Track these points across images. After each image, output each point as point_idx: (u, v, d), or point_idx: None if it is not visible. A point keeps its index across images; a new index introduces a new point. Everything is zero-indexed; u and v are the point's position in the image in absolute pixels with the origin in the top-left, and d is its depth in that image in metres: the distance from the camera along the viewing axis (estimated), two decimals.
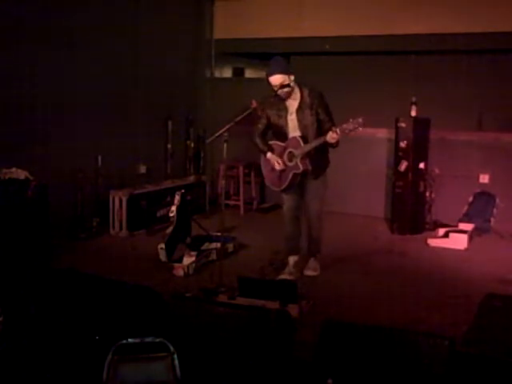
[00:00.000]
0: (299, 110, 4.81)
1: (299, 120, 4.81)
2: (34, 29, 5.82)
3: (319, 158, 4.91)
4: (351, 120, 4.50)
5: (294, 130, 4.85)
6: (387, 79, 7.28)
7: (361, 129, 4.52)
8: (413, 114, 6.74)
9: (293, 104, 4.84)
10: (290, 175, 4.89)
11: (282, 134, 4.91)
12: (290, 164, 4.87)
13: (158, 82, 7.39)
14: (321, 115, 4.79)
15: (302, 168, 4.82)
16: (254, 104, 4.75)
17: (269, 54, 8.57)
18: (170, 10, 7.61)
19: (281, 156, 4.90)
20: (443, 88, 7.02)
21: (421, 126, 6.79)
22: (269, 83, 4.75)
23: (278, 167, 4.90)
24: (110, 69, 6.72)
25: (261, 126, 4.98)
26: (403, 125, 6.73)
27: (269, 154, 4.95)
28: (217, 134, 4.62)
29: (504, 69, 6.82)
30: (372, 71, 7.42)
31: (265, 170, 5.11)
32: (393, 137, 6.89)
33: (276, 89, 4.72)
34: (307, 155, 4.81)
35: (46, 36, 5.96)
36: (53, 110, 6.08)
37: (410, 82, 7.13)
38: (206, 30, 8.33)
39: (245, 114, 4.67)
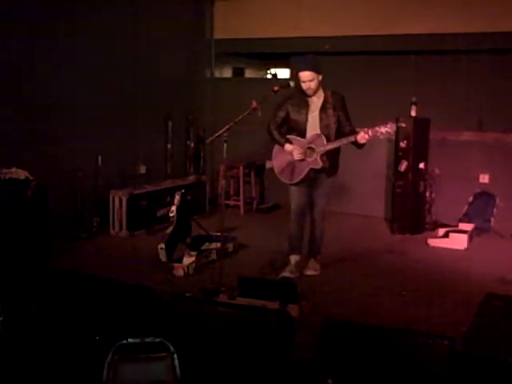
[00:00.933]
0: (323, 108, 4.87)
1: (321, 119, 4.87)
2: (33, 29, 5.81)
3: (335, 158, 5.01)
4: (383, 124, 4.60)
5: (313, 128, 4.89)
6: (387, 79, 7.28)
7: (392, 133, 4.72)
8: (413, 114, 6.74)
9: (316, 102, 4.90)
10: (306, 170, 4.92)
11: (299, 130, 4.94)
12: (308, 159, 4.90)
13: (158, 82, 7.39)
14: (341, 118, 4.88)
15: (321, 164, 4.87)
16: (254, 104, 4.72)
17: (269, 54, 8.63)
18: (170, 10, 7.61)
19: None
20: (443, 88, 7.02)
21: (421, 125, 6.79)
22: (297, 76, 4.85)
23: (298, 156, 4.89)
24: (110, 69, 6.72)
25: (279, 120, 5.01)
26: (403, 125, 6.71)
27: (288, 145, 4.94)
28: (217, 134, 4.61)
29: (504, 69, 6.82)
30: (372, 71, 7.43)
31: (277, 162, 5.10)
32: (393, 137, 6.89)
33: (303, 84, 4.79)
34: (326, 153, 4.87)
35: (45, 36, 5.96)
36: (53, 109, 6.07)
37: (410, 81, 7.13)
38: (206, 30, 8.33)
39: (245, 113, 4.66)
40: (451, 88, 7.01)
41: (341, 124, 4.88)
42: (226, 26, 8.20)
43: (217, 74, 8.67)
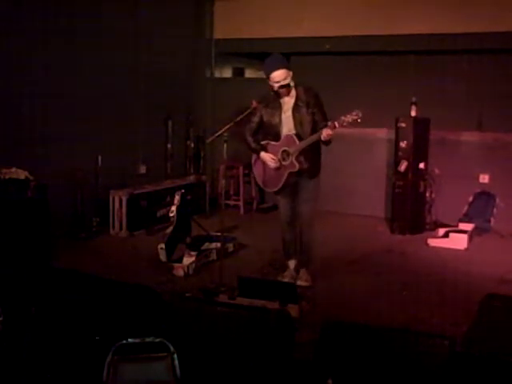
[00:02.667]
0: (296, 107, 4.67)
1: (295, 118, 4.67)
2: (33, 29, 5.82)
3: (315, 158, 4.77)
4: (349, 112, 4.42)
5: (288, 129, 4.69)
6: (387, 79, 7.28)
7: (359, 120, 4.42)
8: (413, 114, 6.75)
9: (288, 101, 4.69)
10: (286, 174, 4.73)
11: (274, 134, 4.74)
12: (284, 163, 4.70)
13: (158, 82, 7.39)
14: (316, 115, 4.67)
15: (298, 166, 4.65)
16: (254, 104, 4.71)
17: (269, 54, 8.62)
18: (170, 10, 7.60)
19: (274, 155, 4.73)
20: (443, 88, 7.02)
21: (421, 125, 6.79)
22: (268, 79, 4.63)
23: (272, 164, 4.72)
24: (110, 69, 6.71)
25: (253, 125, 4.80)
26: (403, 125, 6.73)
27: (262, 153, 4.77)
28: (217, 134, 4.60)
29: (504, 69, 6.82)
30: (372, 71, 7.43)
31: (257, 171, 4.93)
32: (393, 137, 6.90)
33: (277, 85, 4.59)
34: (302, 153, 4.64)
35: (45, 36, 5.96)
36: (53, 110, 6.08)
37: (409, 81, 7.13)
38: (206, 30, 8.33)
39: (245, 113, 4.65)
40: (451, 88, 7.01)
41: (316, 122, 4.64)
42: (226, 25, 8.19)
43: (217, 74, 8.67)
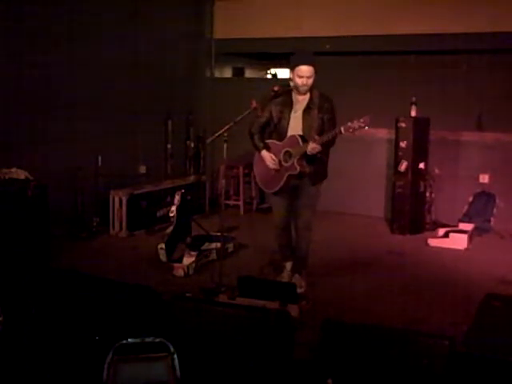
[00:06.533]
0: (307, 108, 4.55)
1: (305, 119, 4.55)
2: (33, 29, 5.82)
3: (320, 164, 4.59)
4: (357, 119, 4.26)
5: (295, 129, 4.57)
6: (387, 79, 7.28)
7: (367, 127, 4.28)
8: (413, 114, 6.75)
9: (301, 102, 4.59)
10: (285, 176, 4.59)
11: (280, 133, 4.64)
12: (285, 164, 4.57)
13: (157, 82, 7.39)
14: (326, 123, 4.53)
15: (298, 169, 4.50)
16: (254, 104, 4.68)
17: (269, 54, 8.63)
18: (170, 9, 7.60)
19: (276, 155, 4.62)
20: (443, 88, 7.01)
21: (421, 126, 6.79)
22: (293, 70, 4.52)
23: (272, 165, 4.62)
24: (110, 69, 6.71)
25: (262, 120, 4.69)
26: (403, 125, 6.73)
27: (264, 152, 4.68)
28: (217, 134, 4.58)
29: (504, 69, 6.82)
30: (372, 71, 7.42)
31: (257, 170, 4.84)
32: (393, 137, 6.90)
33: (299, 80, 4.48)
34: (305, 156, 4.48)
35: (45, 36, 5.96)
36: (53, 109, 6.08)
37: (409, 81, 7.12)
38: (206, 30, 8.33)
39: (245, 114, 4.62)
40: (451, 88, 7.00)
41: (324, 129, 4.48)
42: (226, 25, 8.19)
43: (217, 74, 8.67)
